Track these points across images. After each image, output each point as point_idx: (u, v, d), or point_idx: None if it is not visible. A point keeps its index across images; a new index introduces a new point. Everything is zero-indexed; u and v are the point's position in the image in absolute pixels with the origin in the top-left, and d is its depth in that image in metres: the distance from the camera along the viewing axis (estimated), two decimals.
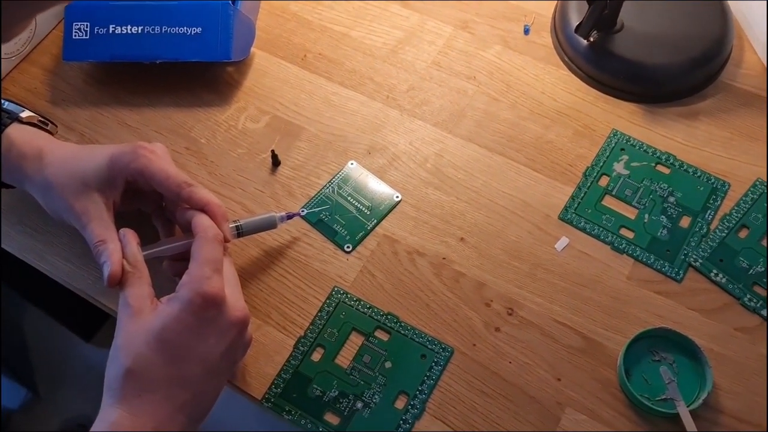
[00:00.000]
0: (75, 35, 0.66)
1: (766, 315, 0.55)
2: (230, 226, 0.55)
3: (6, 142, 0.56)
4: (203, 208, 0.53)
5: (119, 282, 0.50)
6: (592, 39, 0.65)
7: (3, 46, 0.68)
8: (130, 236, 0.53)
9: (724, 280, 0.57)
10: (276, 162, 0.64)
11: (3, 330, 1.34)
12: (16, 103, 0.60)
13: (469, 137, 0.65)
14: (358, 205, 0.62)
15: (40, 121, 0.63)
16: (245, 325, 0.51)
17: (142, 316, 0.48)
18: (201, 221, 0.52)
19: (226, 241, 0.53)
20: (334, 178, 0.63)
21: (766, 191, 0.61)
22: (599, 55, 0.66)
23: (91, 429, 0.46)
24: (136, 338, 0.47)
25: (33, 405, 1.32)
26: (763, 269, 0.57)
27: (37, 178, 0.56)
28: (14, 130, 0.58)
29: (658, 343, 0.55)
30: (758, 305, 0.56)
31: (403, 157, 0.64)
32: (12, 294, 1.25)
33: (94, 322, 1.32)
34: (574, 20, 0.67)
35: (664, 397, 0.52)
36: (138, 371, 0.46)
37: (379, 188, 0.63)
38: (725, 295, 0.57)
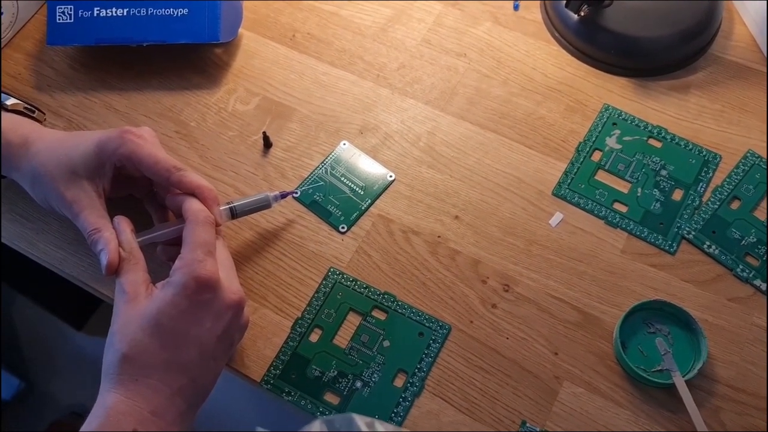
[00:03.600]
0: (59, 19, 0.65)
1: (758, 285, 0.56)
2: (223, 208, 0.55)
3: None
4: (194, 192, 0.53)
5: (115, 270, 0.50)
6: (582, 13, 0.65)
7: None
8: (124, 223, 0.52)
9: (717, 252, 0.58)
10: (267, 144, 0.64)
11: None
12: (1, 91, 0.59)
13: (461, 115, 0.65)
14: (352, 186, 0.62)
15: (26, 108, 0.62)
16: (241, 308, 0.51)
17: (137, 302, 0.48)
18: (191, 205, 0.52)
19: (217, 224, 0.53)
20: (326, 158, 0.63)
21: (757, 162, 0.61)
22: (589, 29, 0.66)
23: (89, 414, 0.46)
24: (132, 324, 0.47)
25: (26, 395, 1.32)
26: (755, 239, 0.58)
27: (24, 167, 0.55)
28: (1, 119, 0.57)
29: (654, 315, 0.55)
30: (751, 275, 0.56)
31: (396, 136, 0.64)
32: (1, 284, 1.24)
33: (85, 311, 1.32)
34: None
35: (660, 368, 0.53)
36: (134, 356, 0.46)
37: (372, 168, 0.62)
38: (718, 266, 0.57)
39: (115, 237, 0.51)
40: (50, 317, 1.29)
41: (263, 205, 0.57)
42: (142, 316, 0.47)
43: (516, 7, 0.71)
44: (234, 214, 0.56)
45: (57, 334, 1.37)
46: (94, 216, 0.52)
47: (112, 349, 0.47)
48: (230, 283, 0.50)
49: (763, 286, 0.56)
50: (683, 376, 0.52)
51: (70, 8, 0.65)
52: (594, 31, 0.66)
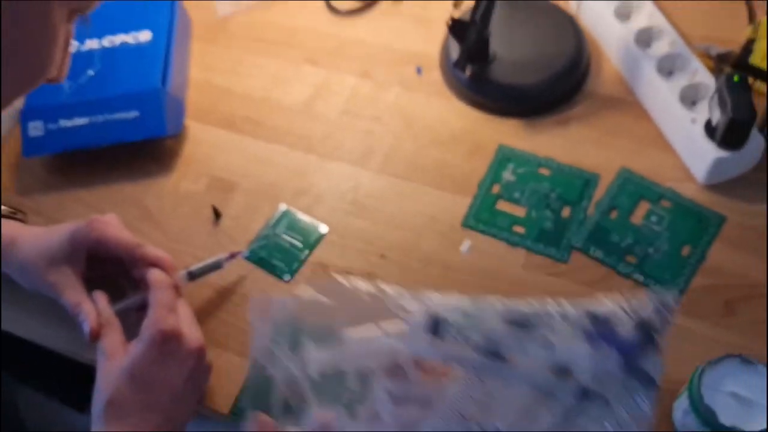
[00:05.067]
0: (31, 133, 0.76)
1: (637, 278, 0.66)
2: (182, 273, 0.65)
3: None
4: (155, 263, 0.64)
5: (97, 336, 0.60)
6: (469, 72, 0.77)
7: None
8: (101, 297, 0.63)
9: (601, 255, 0.68)
10: (217, 215, 0.75)
11: (2, 412, 1.41)
12: None
13: (379, 169, 0.76)
14: (292, 241, 0.72)
15: (10, 212, 0.73)
16: (203, 353, 0.61)
17: (115, 359, 0.58)
18: (153, 274, 0.63)
19: (177, 287, 0.63)
20: (268, 221, 0.74)
21: (629, 176, 0.72)
22: (479, 83, 0.78)
23: None
24: (112, 375, 0.57)
25: None
26: (632, 241, 0.68)
27: (12, 262, 0.66)
28: None
29: None
30: (630, 271, 0.67)
31: (325, 194, 0.75)
32: (6, 376, 1.32)
33: (86, 394, 1.39)
34: (455, 57, 0.79)
35: None
36: (116, 401, 0.56)
37: (307, 224, 0.73)
38: (604, 267, 0.68)
39: (94, 309, 0.62)
40: (54, 403, 1.37)
41: (215, 266, 0.67)
42: (120, 368, 0.57)
43: (419, 72, 0.83)
44: (192, 276, 0.66)
45: (62, 418, 1.45)
46: (75, 294, 0.63)
47: (98, 398, 0.57)
48: (191, 333, 0.61)
49: (641, 279, 0.66)
50: None
51: (40, 123, 0.76)
52: (483, 84, 0.78)
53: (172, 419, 0.58)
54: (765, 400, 0.53)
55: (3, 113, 0.81)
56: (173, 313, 0.60)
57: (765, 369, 0.54)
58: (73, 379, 1.33)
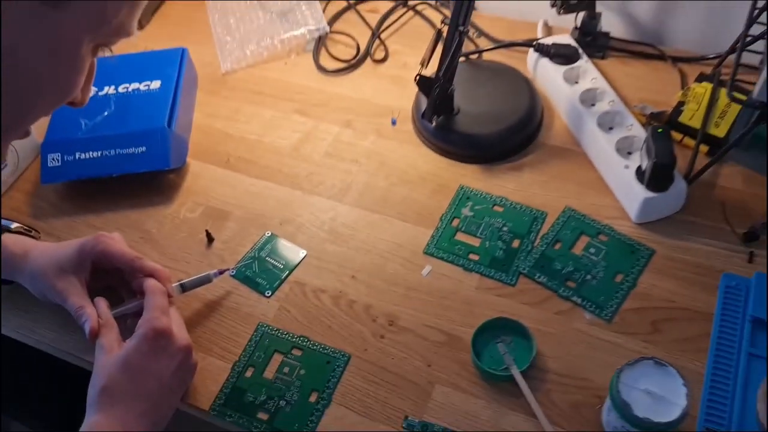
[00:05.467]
0: (50, 164, 0.87)
1: (576, 300, 0.75)
2: (175, 285, 0.75)
3: (2, 247, 0.76)
4: (152, 274, 0.73)
5: (97, 335, 0.69)
6: (434, 122, 0.88)
7: None
8: (101, 301, 0.72)
9: (545, 280, 0.77)
10: (210, 239, 0.84)
11: None
12: (8, 219, 0.80)
13: (355, 204, 0.86)
14: (274, 263, 0.82)
15: (25, 229, 0.83)
16: (189, 352, 0.69)
17: (112, 352, 0.67)
18: (149, 282, 0.72)
19: (170, 296, 0.72)
20: (255, 245, 0.83)
21: (572, 214, 0.82)
22: (444, 132, 0.89)
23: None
24: (107, 366, 0.66)
25: None
26: (571, 269, 0.78)
27: (26, 270, 0.75)
28: (6, 238, 0.78)
29: (500, 330, 0.74)
30: (570, 294, 0.76)
31: (306, 224, 0.85)
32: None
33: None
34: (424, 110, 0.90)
35: (505, 366, 0.71)
36: (109, 387, 0.64)
37: (289, 248, 0.83)
38: (546, 290, 0.77)
39: (95, 312, 0.71)
40: None
41: (205, 280, 0.77)
42: (115, 359, 0.66)
43: (393, 123, 0.94)
44: (184, 288, 0.76)
45: None
46: (78, 299, 0.72)
47: (94, 385, 0.65)
48: (180, 333, 0.69)
49: (579, 301, 0.75)
50: (519, 369, 0.70)
51: (58, 155, 0.87)
52: (448, 133, 0.89)
53: (159, 408, 0.66)
54: (675, 397, 0.61)
55: (23, 146, 0.92)
56: (166, 314, 0.69)
57: (675, 370, 0.62)
58: (69, 418, 1.39)
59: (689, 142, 0.87)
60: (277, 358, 0.74)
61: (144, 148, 0.87)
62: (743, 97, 0.77)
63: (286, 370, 0.73)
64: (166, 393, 0.67)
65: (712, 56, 0.94)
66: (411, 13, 1.09)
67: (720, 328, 0.72)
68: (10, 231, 0.81)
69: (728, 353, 0.70)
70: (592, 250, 0.79)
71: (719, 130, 0.85)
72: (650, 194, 0.78)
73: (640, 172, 0.80)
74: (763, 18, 0.73)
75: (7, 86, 0.48)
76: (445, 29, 0.81)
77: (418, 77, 0.84)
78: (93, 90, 0.92)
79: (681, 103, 0.89)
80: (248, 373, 0.73)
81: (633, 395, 0.61)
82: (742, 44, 0.75)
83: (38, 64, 0.49)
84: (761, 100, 0.72)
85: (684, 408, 0.60)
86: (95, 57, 0.55)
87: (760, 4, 0.76)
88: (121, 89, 0.93)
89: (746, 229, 0.79)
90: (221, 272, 0.78)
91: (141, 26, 1.11)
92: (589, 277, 0.77)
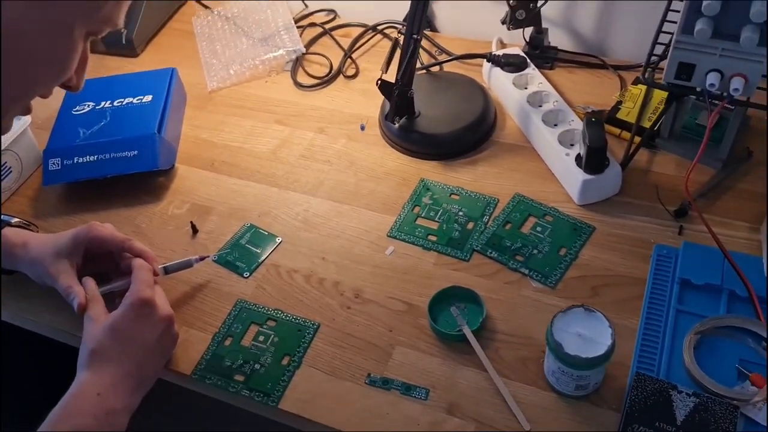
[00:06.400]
0: (50, 168, 0.96)
1: (523, 271, 0.84)
2: (159, 267, 0.83)
3: (3, 239, 0.84)
4: (140, 255, 0.81)
5: (84, 309, 0.76)
6: (397, 124, 0.98)
7: (1, 182, 0.97)
8: (88, 280, 0.80)
9: (496, 255, 0.86)
10: (195, 230, 0.93)
11: None
12: (8, 215, 0.89)
13: (326, 197, 0.95)
14: (252, 248, 0.90)
15: (24, 223, 0.92)
16: (171, 322, 0.77)
17: (99, 321, 0.74)
18: (137, 260, 0.80)
19: (155, 274, 0.80)
20: (235, 234, 0.92)
21: (521, 200, 0.91)
22: (407, 133, 0.99)
23: (68, 392, 0.70)
24: (95, 331, 0.73)
25: None
26: (519, 245, 0.86)
27: (25, 258, 0.83)
28: (7, 230, 0.86)
29: (454, 298, 0.82)
30: (518, 266, 0.84)
31: (282, 215, 0.94)
32: None
33: None
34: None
35: (459, 328, 0.79)
36: (98, 350, 0.72)
37: (266, 236, 0.91)
38: (498, 264, 0.85)
39: (83, 290, 0.78)
40: None
41: (186, 265, 0.85)
42: (103, 326, 0.73)
43: (362, 128, 1.04)
44: (167, 271, 0.84)
45: None
46: (68, 279, 0.79)
47: (83, 349, 0.72)
48: (163, 305, 0.77)
49: (526, 272, 0.84)
50: (471, 329, 0.78)
51: (58, 160, 0.97)
52: (410, 133, 0.99)
53: (143, 369, 0.73)
54: (602, 338, 0.69)
55: (27, 155, 1.02)
56: (150, 287, 0.77)
57: (602, 315, 0.70)
58: None
59: (626, 135, 0.96)
60: (253, 329, 0.82)
61: (136, 152, 0.96)
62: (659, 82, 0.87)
63: (261, 338, 0.81)
64: (150, 357, 0.74)
65: None
66: (380, 35, 1.20)
67: (651, 290, 0.80)
68: (10, 225, 0.89)
69: (658, 310, 0.78)
70: (539, 229, 0.88)
71: (651, 124, 0.94)
72: (588, 176, 0.87)
73: (579, 159, 0.89)
74: (673, 17, 0.83)
75: (7, 62, 0.55)
76: (401, 38, 0.92)
77: (379, 81, 0.95)
78: (91, 105, 1.03)
79: (619, 102, 0.99)
80: (227, 342, 0.81)
81: (565, 338, 0.69)
82: (655, 38, 0.85)
83: (36, 43, 0.56)
84: (669, 81, 0.81)
85: (609, 346, 0.68)
86: (87, 43, 0.61)
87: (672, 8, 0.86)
88: (116, 103, 1.03)
89: (677, 207, 0.87)
90: (201, 258, 0.86)
91: (136, 54, 1.23)
92: (535, 251, 0.86)
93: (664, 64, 0.86)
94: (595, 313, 0.71)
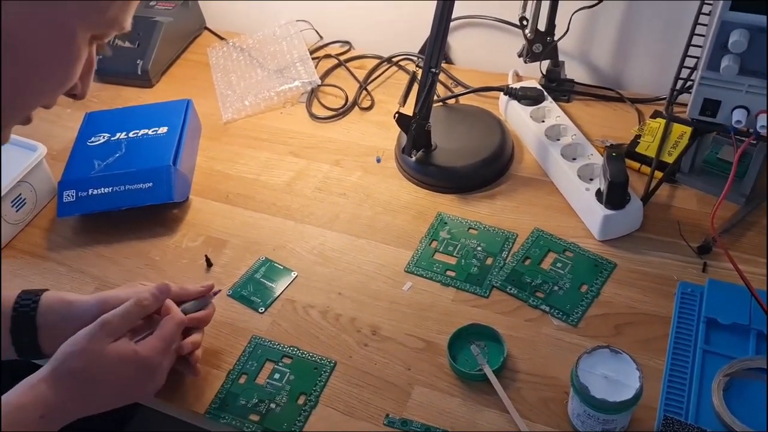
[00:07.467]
0: (65, 199, 0.96)
1: (544, 309, 0.82)
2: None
3: None
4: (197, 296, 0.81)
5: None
6: (414, 157, 0.97)
7: (15, 213, 0.97)
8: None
9: (515, 292, 0.84)
10: (209, 264, 0.92)
11: None
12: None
13: (342, 231, 0.94)
14: (267, 283, 0.89)
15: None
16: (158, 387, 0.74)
17: (108, 344, 0.70)
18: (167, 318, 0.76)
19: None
20: (250, 268, 0.91)
21: (540, 234, 0.90)
22: (424, 166, 0.98)
23: (15, 393, 0.66)
24: (95, 352, 0.69)
25: None
26: (540, 281, 0.85)
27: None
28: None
29: (474, 336, 0.80)
30: (538, 303, 0.83)
31: (298, 249, 0.93)
32: None
33: None
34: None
35: (479, 367, 0.77)
36: (78, 372, 0.68)
37: (281, 270, 0.90)
38: (517, 301, 0.83)
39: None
40: None
41: (203, 305, 0.83)
42: (108, 352, 0.70)
43: (378, 161, 1.03)
44: (185, 313, 0.82)
45: None
46: None
47: (70, 357, 0.69)
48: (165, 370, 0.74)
49: (547, 309, 0.82)
50: (492, 369, 0.76)
51: (73, 191, 0.96)
52: (427, 167, 0.98)
53: (88, 408, 0.70)
54: (629, 380, 0.67)
55: (41, 187, 1.01)
56: (163, 354, 0.73)
57: (629, 356, 0.68)
58: None
59: (645, 169, 0.95)
60: (269, 366, 0.80)
61: (150, 184, 0.95)
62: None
63: (276, 376, 0.79)
64: (107, 400, 0.71)
65: (664, 96, 1.04)
66: (395, 67, 1.20)
67: (677, 329, 0.78)
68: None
69: (685, 351, 0.76)
70: (559, 265, 0.86)
71: (671, 158, 0.93)
72: (609, 212, 0.86)
73: (599, 194, 0.88)
74: (695, 52, 0.82)
75: (6, 70, 0.49)
76: (419, 71, 0.91)
77: (397, 114, 0.94)
78: (106, 136, 1.02)
79: (638, 136, 0.98)
80: (241, 380, 0.79)
81: (591, 380, 0.67)
82: (677, 74, 0.85)
83: (36, 49, 0.50)
84: (693, 116, 0.80)
85: (637, 389, 0.66)
86: (92, 48, 0.56)
87: (693, 43, 0.86)
88: (131, 134, 1.02)
89: (700, 243, 0.86)
90: (215, 293, 0.85)
91: (151, 85, 1.23)
92: (556, 288, 0.84)
93: (683, 98, 0.86)
94: (621, 354, 0.69)
